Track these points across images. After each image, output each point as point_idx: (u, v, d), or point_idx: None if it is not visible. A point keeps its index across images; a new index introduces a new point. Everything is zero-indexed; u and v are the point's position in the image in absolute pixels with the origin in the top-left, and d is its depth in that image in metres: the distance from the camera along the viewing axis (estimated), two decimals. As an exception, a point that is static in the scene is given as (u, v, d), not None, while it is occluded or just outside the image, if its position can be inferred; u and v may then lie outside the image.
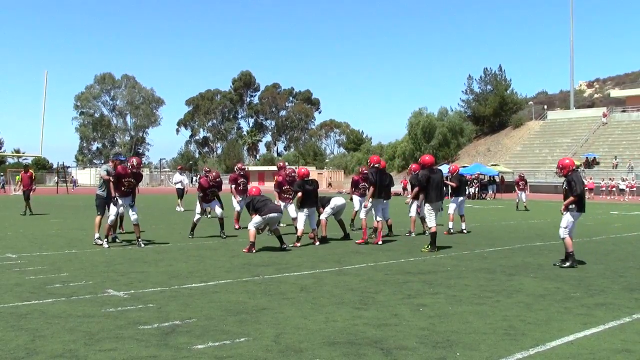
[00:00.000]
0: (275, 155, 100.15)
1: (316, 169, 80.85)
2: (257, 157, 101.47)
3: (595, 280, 7.52)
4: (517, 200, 24.91)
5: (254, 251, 9.75)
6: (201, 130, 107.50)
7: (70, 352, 4.27)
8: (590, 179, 41.87)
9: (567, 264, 8.52)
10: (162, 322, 5.15)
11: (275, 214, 10.03)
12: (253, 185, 12.69)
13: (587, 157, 48.68)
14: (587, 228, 15.96)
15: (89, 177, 69.11)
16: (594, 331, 5.03)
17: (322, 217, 11.76)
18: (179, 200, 21.49)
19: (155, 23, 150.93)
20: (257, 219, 9.92)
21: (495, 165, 48.33)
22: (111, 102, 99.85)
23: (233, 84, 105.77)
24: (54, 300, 5.97)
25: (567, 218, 8.71)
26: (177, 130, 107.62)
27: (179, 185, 21.74)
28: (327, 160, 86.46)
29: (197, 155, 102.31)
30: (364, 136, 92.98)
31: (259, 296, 6.32)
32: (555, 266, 8.64)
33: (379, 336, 4.78)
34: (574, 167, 8.82)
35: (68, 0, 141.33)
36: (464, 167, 46.59)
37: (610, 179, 41.48)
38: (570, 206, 8.66)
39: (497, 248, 10.94)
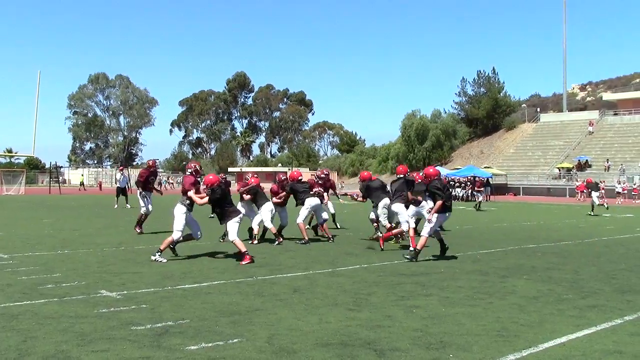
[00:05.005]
0: (268, 156, 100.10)
1: (309, 170, 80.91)
2: (251, 158, 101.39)
3: (587, 282, 7.56)
4: (479, 201, 26.69)
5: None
6: (195, 131, 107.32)
7: (63, 353, 4.25)
8: (584, 181, 42.06)
9: (410, 257, 9.26)
10: (155, 323, 5.14)
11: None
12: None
13: (579, 160, 48.96)
14: (580, 230, 16.06)
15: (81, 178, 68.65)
16: (586, 333, 5.06)
17: (299, 220, 11.67)
18: (116, 198, 23.27)
19: (150, 23, 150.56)
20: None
21: (488, 167, 48.48)
22: (105, 102, 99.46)
23: (227, 85, 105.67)
24: (46, 301, 5.94)
25: (433, 221, 9.29)
26: (171, 131, 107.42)
27: (120, 184, 23.70)
28: (320, 162, 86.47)
29: (190, 156, 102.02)
30: (357, 138, 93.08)
31: (252, 297, 6.31)
32: (552, 270, 8.69)
33: (372, 337, 4.78)
34: (436, 177, 9.56)
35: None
36: (456, 169, 46.76)
37: (601, 181, 41.68)
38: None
39: (490, 250, 10.98)
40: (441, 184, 9.40)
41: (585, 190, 25.58)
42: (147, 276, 7.53)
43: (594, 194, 23.72)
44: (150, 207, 13.23)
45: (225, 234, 11.40)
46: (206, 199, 9.11)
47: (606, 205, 25.10)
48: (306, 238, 11.42)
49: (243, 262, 8.68)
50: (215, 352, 4.33)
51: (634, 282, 7.66)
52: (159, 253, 8.91)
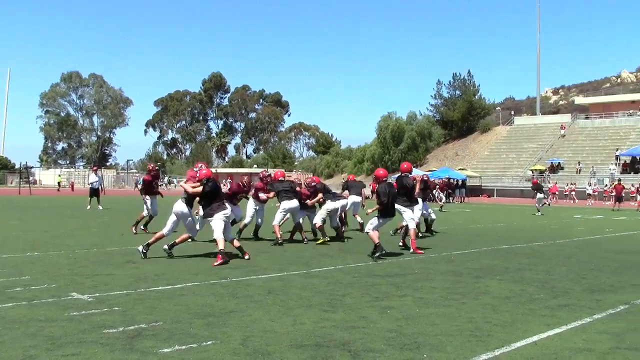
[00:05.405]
0: (244, 157, 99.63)
1: (285, 171, 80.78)
2: (226, 159, 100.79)
3: (558, 282, 7.69)
4: (443, 203, 28.77)
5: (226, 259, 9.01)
6: (170, 131, 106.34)
7: (31, 358, 4.15)
8: (556, 183, 42.93)
9: (377, 253, 9.55)
10: (127, 325, 5.06)
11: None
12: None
13: (552, 162, 49.82)
14: (552, 231, 16.34)
15: (53, 178, 67.45)
16: (557, 331, 5.14)
17: (275, 222, 11.68)
18: (89, 199, 23.06)
19: (125, 22, 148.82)
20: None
21: (462, 169, 49.02)
22: (78, 102, 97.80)
23: (203, 85, 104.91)
24: (14, 305, 5.80)
25: (374, 219, 9.86)
26: (145, 131, 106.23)
27: (93, 185, 23.57)
28: (296, 163, 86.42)
29: (165, 157, 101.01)
30: (333, 139, 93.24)
31: (227, 299, 6.26)
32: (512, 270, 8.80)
33: (346, 339, 4.78)
34: (384, 179, 10.06)
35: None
36: (431, 171, 47.18)
37: (572, 183, 42.53)
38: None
39: (464, 251, 11.09)
40: (384, 189, 9.74)
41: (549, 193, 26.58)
42: (120, 278, 7.42)
43: (539, 195, 24.48)
44: (156, 209, 13.47)
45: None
46: (199, 189, 9.34)
47: (539, 210, 24.50)
48: (279, 238, 11.35)
49: (215, 263, 8.61)
50: (189, 355, 4.28)
51: (603, 282, 7.82)
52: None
